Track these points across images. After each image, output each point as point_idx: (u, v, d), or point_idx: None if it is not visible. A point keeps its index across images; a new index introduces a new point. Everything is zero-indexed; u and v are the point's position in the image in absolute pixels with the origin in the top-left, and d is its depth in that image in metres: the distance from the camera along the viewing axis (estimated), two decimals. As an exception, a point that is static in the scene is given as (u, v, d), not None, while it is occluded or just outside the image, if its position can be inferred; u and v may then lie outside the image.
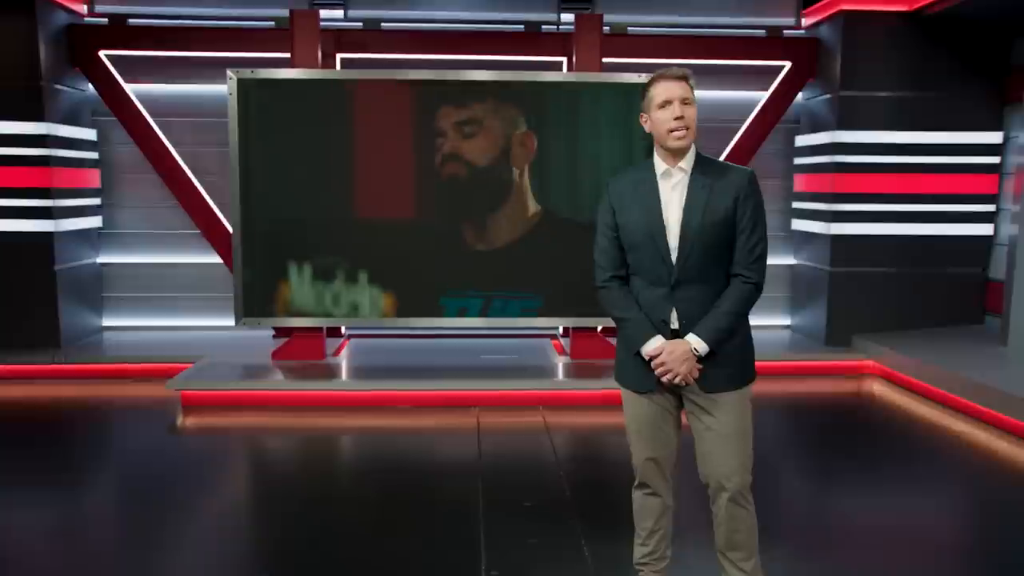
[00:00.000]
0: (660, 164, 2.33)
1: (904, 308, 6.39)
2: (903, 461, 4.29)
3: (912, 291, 6.37)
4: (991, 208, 6.35)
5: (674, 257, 2.26)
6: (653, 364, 2.29)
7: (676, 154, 2.28)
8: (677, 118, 2.22)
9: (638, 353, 2.32)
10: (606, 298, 2.41)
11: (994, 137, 6.26)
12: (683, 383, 2.28)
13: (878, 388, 5.74)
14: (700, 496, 2.47)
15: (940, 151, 6.21)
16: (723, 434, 2.29)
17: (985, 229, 6.37)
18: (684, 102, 2.23)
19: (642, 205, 2.30)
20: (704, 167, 2.31)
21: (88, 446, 4.54)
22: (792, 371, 5.98)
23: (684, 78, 2.25)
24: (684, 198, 2.27)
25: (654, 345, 2.28)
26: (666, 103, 2.24)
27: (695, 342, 2.25)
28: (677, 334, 2.29)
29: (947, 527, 3.54)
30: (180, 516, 3.50)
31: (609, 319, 5.40)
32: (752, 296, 2.28)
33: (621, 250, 2.37)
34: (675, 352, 2.25)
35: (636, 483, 2.48)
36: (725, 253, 2.28)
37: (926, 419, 5.02)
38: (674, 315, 2.28)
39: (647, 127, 2.32)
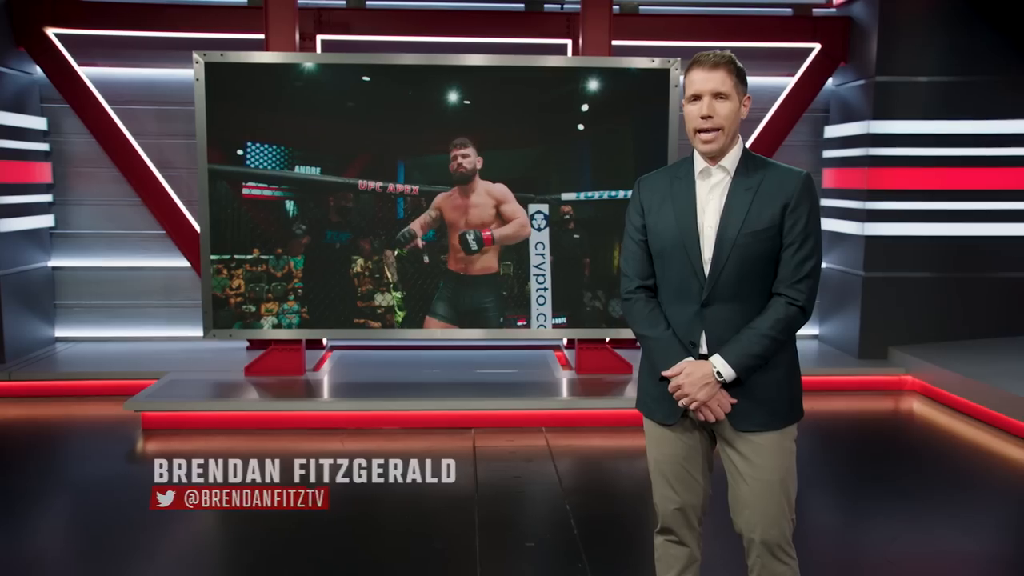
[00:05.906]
0: (699, 161, 2.21)
1: (946, 317, 6.33)
2: (946, 488, 4.22)
3: (955, 298, 6.30)
4: (1044, 206, 6.29)
5: (707, 270, 2.15)
6: (670, 387, 2.17)
7: (714, 152, 2.16)
8: (704, 117, 2.09)
9: (663, 378, 2.20)
10: (630, 312, 2.29)
11: (1048, 127, 6.21)
12: (704, 417, 2.16)
13: (917, 406, 5.67)
14: (732, 542, 2.35)
15: (988, 142, 6.14)
16: (760, 481, 2.16)
17: (1038, 229, 6.31)
18: (717, 96, 2.09)
19: (675, 207, 2.19)
20: (750, 167, 2.18)
21: (35, 474, 4.42)
22: (821, 387, 5.89)
23: (722, 65, 2.10)
24: (722, 202, 2.16)
25: (674, 365, 2.17)
26: (695, 97, 2.12)
27: (719, 365, 2.12)
28: (706, 360, 2.17)
29: (997, 565, 3.45)
30: (137, 555, 3.40)
31: (619, 329, 5.46)
32: (797, 321, 2.14)
33: (652, 257, 2.26)
34: (693, 374, 2.13)
35: (658, 527, 2.36)
36: (767, 268, 2.15)
37: (971, 441, 4.96)
38: (703, 338, 2.16)
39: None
